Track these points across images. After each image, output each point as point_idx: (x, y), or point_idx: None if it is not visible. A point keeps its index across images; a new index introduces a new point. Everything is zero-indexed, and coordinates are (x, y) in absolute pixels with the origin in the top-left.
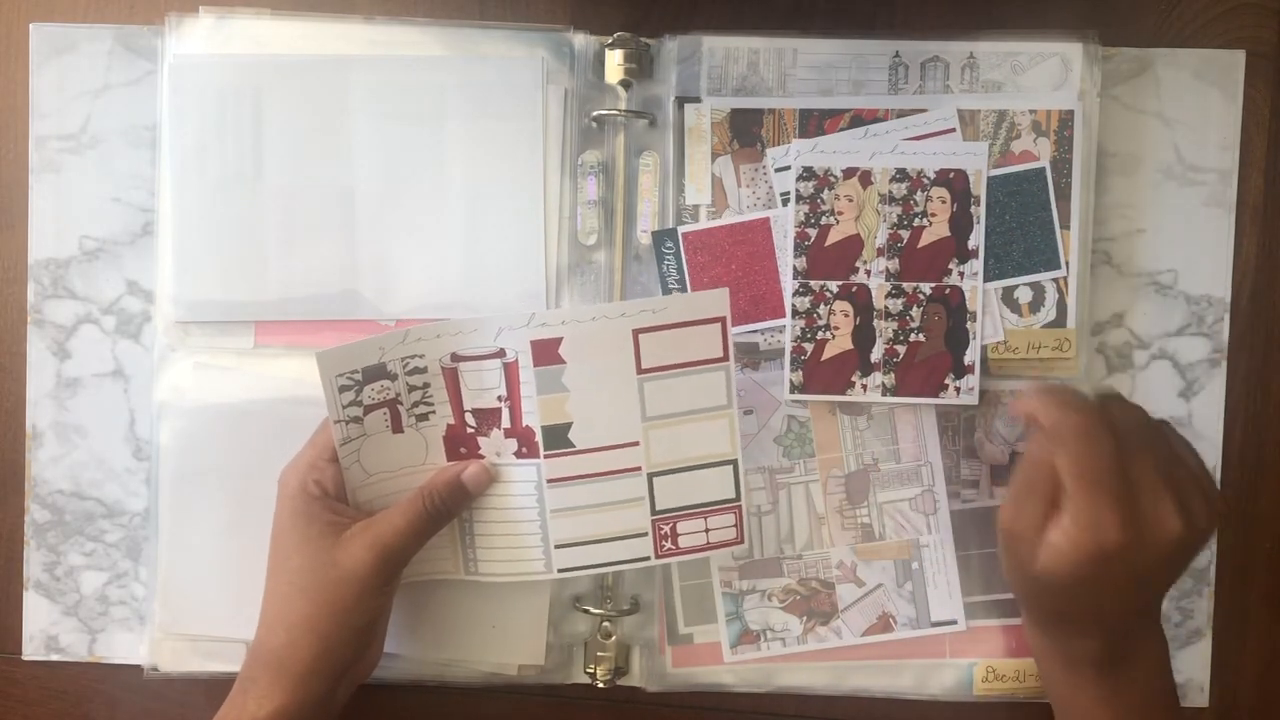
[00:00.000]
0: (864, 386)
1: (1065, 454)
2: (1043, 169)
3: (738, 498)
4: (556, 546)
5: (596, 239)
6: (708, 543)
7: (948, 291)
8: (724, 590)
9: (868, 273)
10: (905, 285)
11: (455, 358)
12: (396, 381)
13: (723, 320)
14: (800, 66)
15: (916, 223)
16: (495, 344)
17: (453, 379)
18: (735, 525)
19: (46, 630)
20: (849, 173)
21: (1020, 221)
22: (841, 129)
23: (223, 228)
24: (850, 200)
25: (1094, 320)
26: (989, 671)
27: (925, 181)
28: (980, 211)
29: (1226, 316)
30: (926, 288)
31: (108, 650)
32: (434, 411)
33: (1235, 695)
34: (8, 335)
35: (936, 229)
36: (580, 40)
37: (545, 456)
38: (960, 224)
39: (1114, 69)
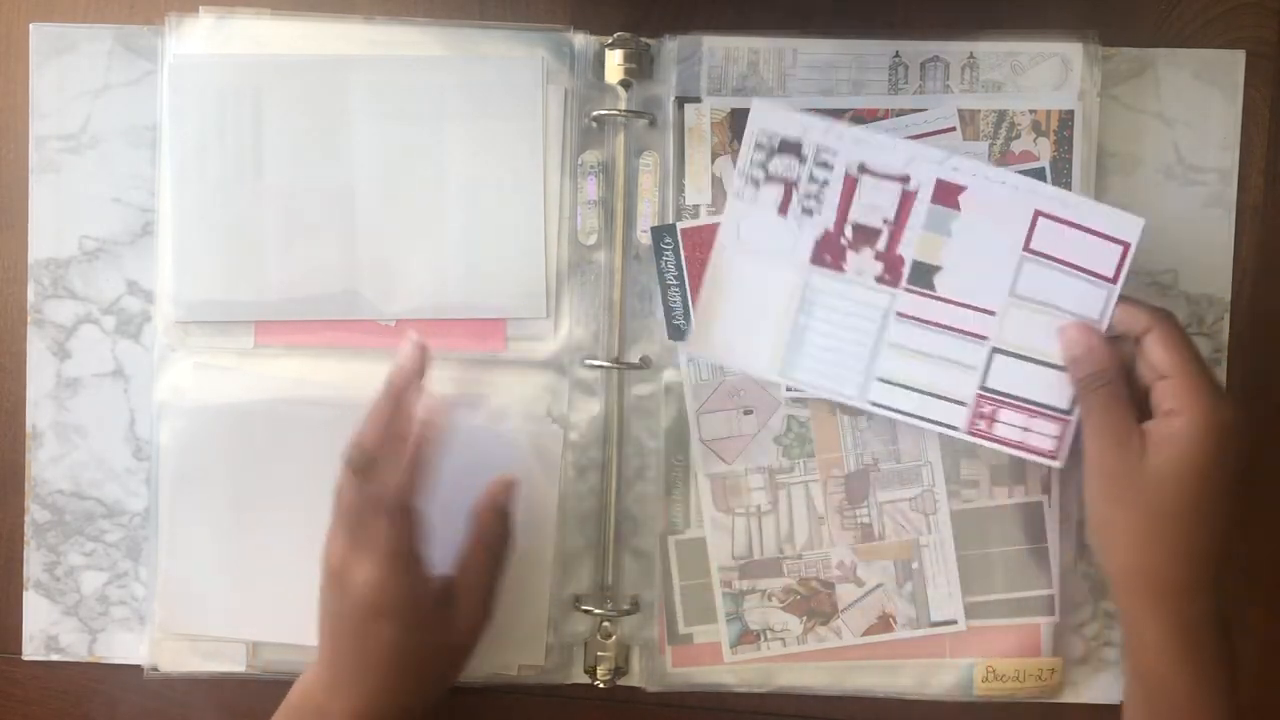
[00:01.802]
0: None
1: (1165, 338)
2: (1042, 168)
3: (1069, 412)
4: (879, 379)
5: (596, 239)
6: (1022, 442)
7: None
8: (724, 590)
9: None
10: None
11: (862, 168)
12: (805, 165)
13: (1126, 247)
14: (800, 66)
15: None
16: (904, 169)
17: (850, 187)
18: (1057, 438)
19: (46, 630)
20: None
21: None
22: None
23: (223, 228)
24: None
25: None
26: (989, 671)
27: None
28: None
29: (1226, 316)
30: None
31: (108, 650)
32: (820, 210)
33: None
34: (8, 335)
35: None
36: (580, 40)
37: (904, 288)
38: None
39: (1114, 69)
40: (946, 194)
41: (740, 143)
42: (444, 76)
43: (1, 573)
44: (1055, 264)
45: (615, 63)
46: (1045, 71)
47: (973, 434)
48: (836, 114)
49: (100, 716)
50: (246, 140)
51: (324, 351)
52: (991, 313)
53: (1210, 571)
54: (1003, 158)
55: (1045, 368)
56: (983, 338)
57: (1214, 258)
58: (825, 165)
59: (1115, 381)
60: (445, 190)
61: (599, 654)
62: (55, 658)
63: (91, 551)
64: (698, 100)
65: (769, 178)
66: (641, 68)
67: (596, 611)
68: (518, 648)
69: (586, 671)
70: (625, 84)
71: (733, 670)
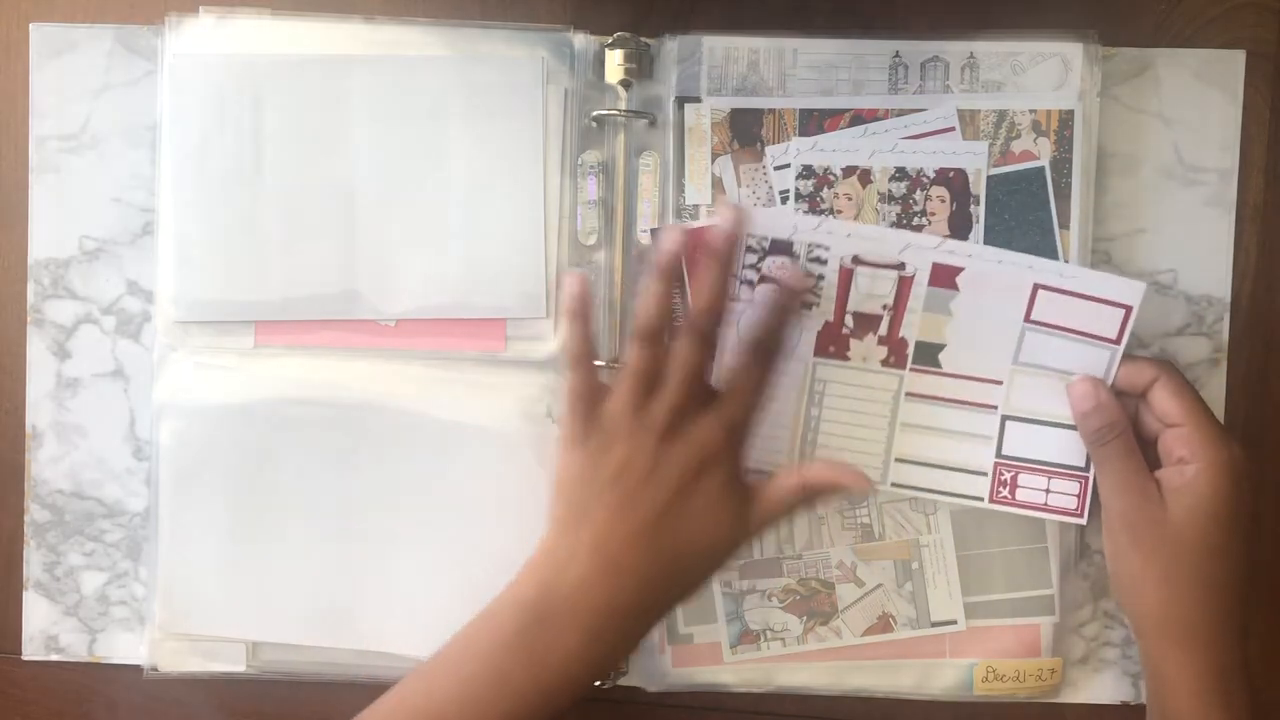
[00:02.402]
0: None
1: (1171, 387)
2: (1042, 168)
3: (1086, 468)
4: (897, 460)
5: (596, 239)
6: (1045, 504)
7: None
8: (724, 590)
9: None
10: None
11: (857, 260)
12: (796, 264)
13: (1128, 310)
14: (800, 66)
15: (916, 222)
16: (898, 257)
17: (846, 279)
18: (1078, 496)
19: (46, 630)
20: (848, 171)
21: (1019, 221)
22: (841, 129)
23: (223, 228)
24: (849, 199)
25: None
26: (989, 671)
27: (925, 180)
28: (980, 211)
29: (1226, 316)
30: None
31: (108, 650)
32: (818, 305)
33: None
34: (8, 335)
35: (936, 228)
36: (580, 40)
37: (911, 369)
38: (959, 223)
39: (1114, 69)
40: (943, 276)
41: (740, 143)
42: (444, 76)
43: (1, 573)
44: (1057, 331)
45: (615, 63)
46: (1045, 71)
47: (996, 502)
48: (836, 114)
49: (100, 716)
50: (246, 140)
51: (324, 351)
52: (998, 382)
53: (1237, 612)
54: (1003, 158)
55: (1057, 429)
56: (992, 407)
57: (1214, 258)
58: (819, 261)
59: (1126, 433)
60: (445, 190)
61: None
62: (55, 658)
63: (91, 551)
64: (698, 100)
65: (763, 278)
66: (641, 68)
67: None
68: None
69: None
70: (625, 84)
71: (733, 670)
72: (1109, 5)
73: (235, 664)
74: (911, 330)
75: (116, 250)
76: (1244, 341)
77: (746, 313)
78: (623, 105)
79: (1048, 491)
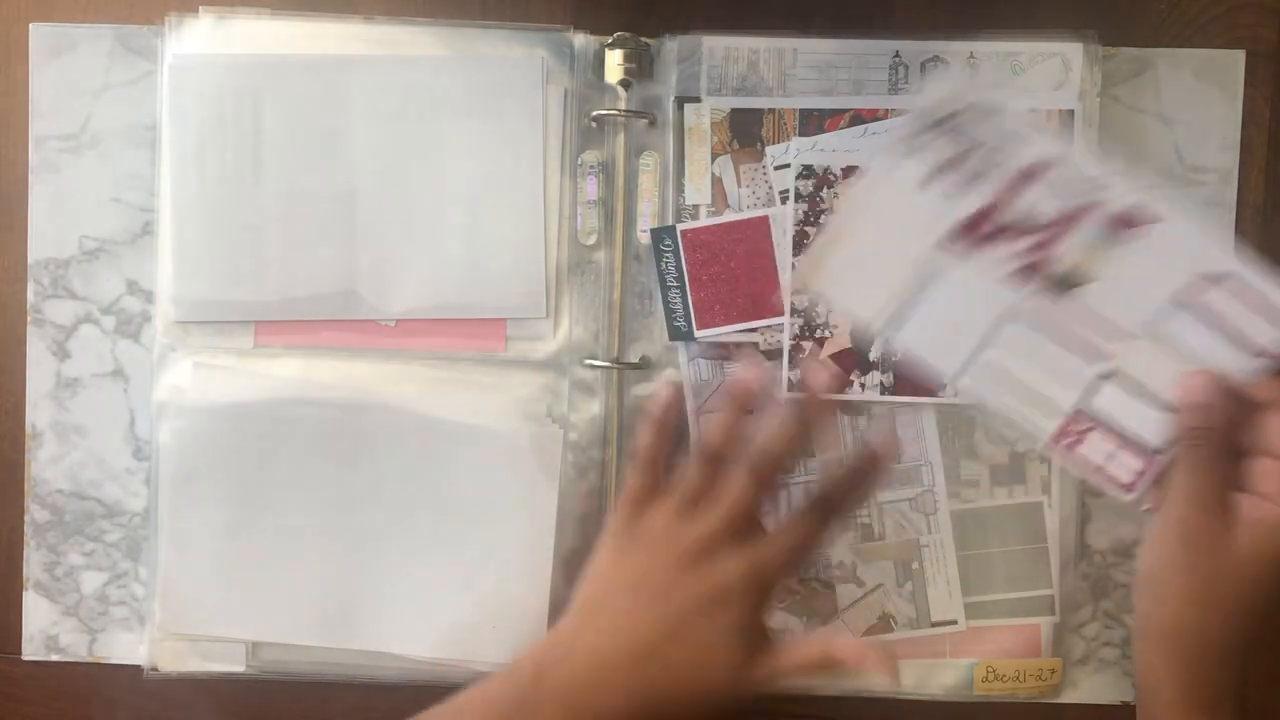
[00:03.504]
0: (862, 385)
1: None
2: None
3: (1158, 453)
4: (975, 370)
5: (596, 239)
6: (1101, 468)
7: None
8: None
9: None
10: None
11: (1056, 159)
12: (987, 134)
13: None
14: (800, 66)
15: None
16: (1103, 178)
17: (1030, 176)
18: (1138, 474)
19: (46, 630)
20: (848, 171)
21: None
22: (841, 129)
23: (222, 228)
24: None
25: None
26: (989, 671)
27: None
28: None
29: None
30: None
31: (108, 650)
32: (979, 186)
33: None
34: (8, 335)
35: None
36: (580, 40)
37: (1035, 291)
38: None
39: (1114, 69)
40: (1127, 221)
41: (740, 143)
42: (444, 76)
43: (1, 573)
44: (1210, 321)
45: (615, 63)
46: (1045, 71)
47: (1055, 447)
48: (836, 114)
49: (100, 716)
50: (246, 140)
51: (324, 351)
52: (1129, 335)
53: (1245, 650)
54: None
55: (1149, 406)
56: (1102, 359)
57: None
58: (1015, 143)
59: (1220, 443)
60: (445, 190)
61: None
62: (55, 658)
63: (91, 551)
64: (698, 100)
65: (923, 149)
66: (641, 68)
67: None
68: (518, 648)
69: None
70: (625, 84)
71: None
72: (1109, 5)
73: (235, 664)
74: (1064, 255)
75: (116, 250)
76: None
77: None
78: (623, 105)
79: (1110, 458)
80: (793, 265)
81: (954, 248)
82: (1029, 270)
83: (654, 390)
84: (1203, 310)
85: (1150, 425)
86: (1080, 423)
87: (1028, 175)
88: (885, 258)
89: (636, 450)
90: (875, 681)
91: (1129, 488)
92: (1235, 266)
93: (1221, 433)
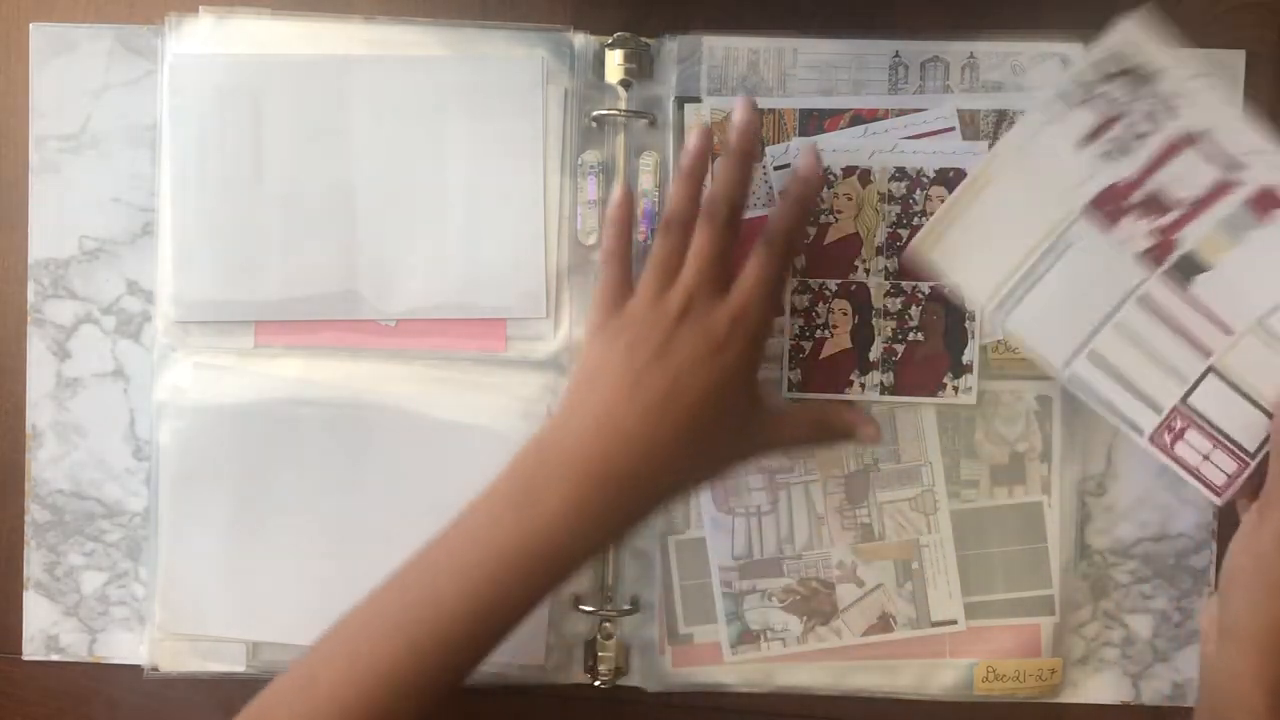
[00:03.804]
0: (862, 385)
1: None
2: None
3: (1255, 454)
4: (1090, 354)
5: (596, 239)
6: (1197, 468)
7: (947, 291)
8: (724, 590)
9: (866, 271)
10: (904, 284)
11: (1197, 136)
12: (1139, 102)
13: None
14: (800, 66)
15: (915, 221)
16: (1243, 158)
17: (1170, 150)
18: (1231, 477)
19: (46, 630)
20: (848, 171)
21: None
22: (841, 129)
23: (223, 228)
24: (849, 199)
25: None
26: (989, 671)
27: (924, 180)
28: None
29: None
30: (925, 287)
31: (108, 650)
32: (1126, 157)
33: None
34: (8, 335)
35: None
36: (580, 40)
37: (1162, 274)
38: None
39: None
40: (1267, 201)
41: None
42: (444, 76)
43: (1, 573)
44: None
45: (615, 63)
46: (1045, 71)
47: (1154, 444)
48: (836, 114)
49: (100, 716)
50: (246, 140)
51: (324, 351)
52: (1229, 332)
53: None
54: None
55: (1253, 406)
56: (1207, 352)
57: None
58: (1164, 112)
59: None
60: (445, 190)
61: (599, 654)
62: (55, 658)
63: (91, 551)
64: (698, 100)
65: (1091, 100)
66: (641, 68)
67: (597, 611)
68: (518, 648)
69: (586, 671)
70: (625, 84)
71: (733, 670)
72: (1109, 5)
73: (235, 664)
74: (1191, 238)
75: (116, 250)
76: None
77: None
78: (623, 105)
79: (1205, 458)
80: (791, 266)
81: (1096, 215)
82: (1160, 250)
83: (611, 197)
84: None
85: (1247, 426)
86: (1181, 419)
87: (1181, 143)
88: (1019, 223)
89: (601, 252)
90: (863, 439)
91: (1220, 491)
92: None
93: None
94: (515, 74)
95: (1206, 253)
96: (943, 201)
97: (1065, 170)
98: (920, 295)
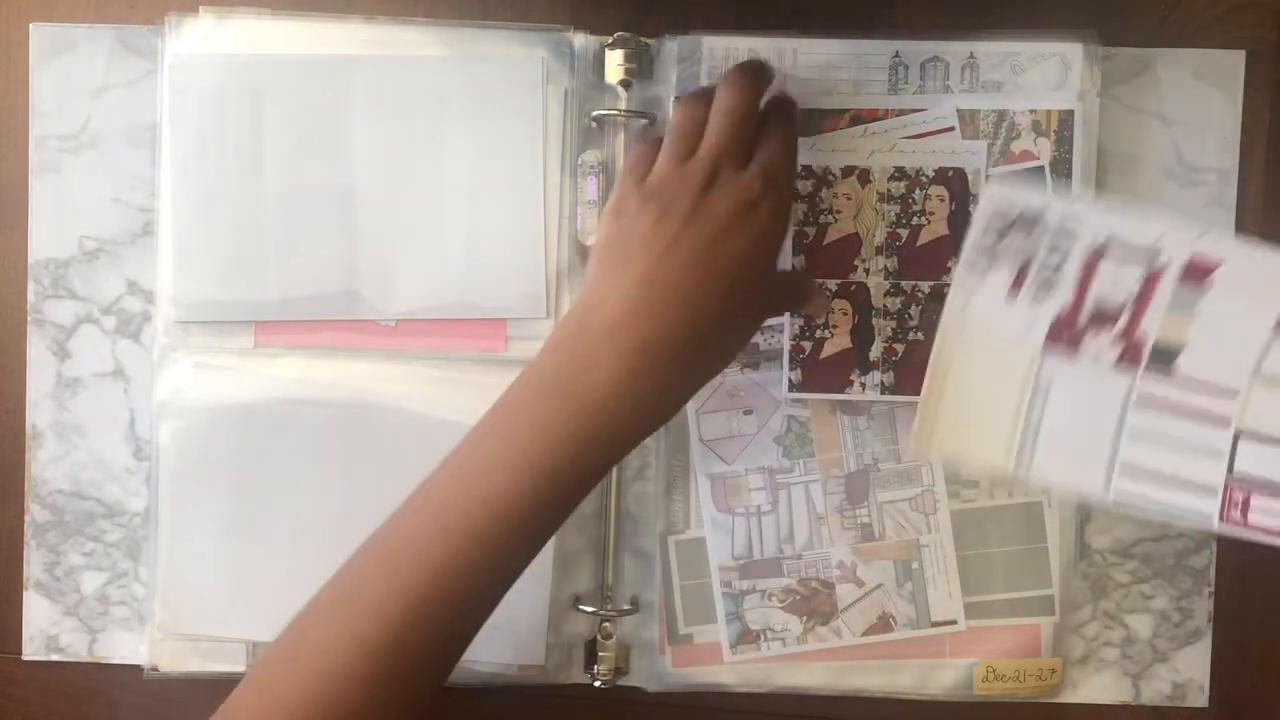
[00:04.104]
0: (863, 385)
1: None
2: (1041, 167)
3: None
4: (1120, 470)
5: (596, 239)
6: (1277, 529)
7: (946, 291)
8: (724, 590)
9: (866, 271)
10: (904, 284)
11: (1106, 244)
12: (1041, 240)
13: None
14: (800, 66)
15: (915, 221)
16: (1155, 243)
17: (1091, 264)
18: None
19: (46, 630)
20: (847, 171)
21: None
22: (841, 128)
23: (223, 228)
24: (849, 199)
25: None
26: (989, 671)
27: (924, 180)
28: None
29: None
30: (925, 286)
31: (108, 650)
32: (1056, 289)
33: (1235, 695)
34: (8, 335)
35: (935, 228)
36: (580, 40)
37: (1145, 371)
38: (959, 222)
39: (1114, 69)
40: (1197, 271)
41: None
42: (444, 76)
43: (1, 573)
44: None
45: (615, 63)
46: (1045, 71)
47: (1228, 523)
48: (836, 114)
49: (100, 716)
50: (246, 140)
51: (324, 351)
52: (1234, 393)
53: None
54: (1002, 158)
55: None
56: (1226, 420)
57: None
58: (1067, 237)
59: None
60: (445, 190)
61: (599, 654)
62: (55, 658)
63: (91, 551)
64: None
65: (999, 256)
66: (641, 68)
67: (597, 611)
68: (518, 648)
69: (586, 671)
70: (625, 84)
71: (733, 670)
72: (1109, 5)
73: (235, 664)
74: (1151, 329)
75: (116, 250)
76: None
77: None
78: (623, 105)
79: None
80: (791, 266)
81: (1057, 349)
82: (1131, 352)
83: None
84: None
85: None
86: (1239, 490)
87: (1093, 258)
88: (994, 388)
89: (637, 137)
90: (812, 309)
91: None
92: None
93: None
94: (515, 74)
95: (1173, 336)
96: (943, 201)
97: (1009, 326)
98: (920, 295)
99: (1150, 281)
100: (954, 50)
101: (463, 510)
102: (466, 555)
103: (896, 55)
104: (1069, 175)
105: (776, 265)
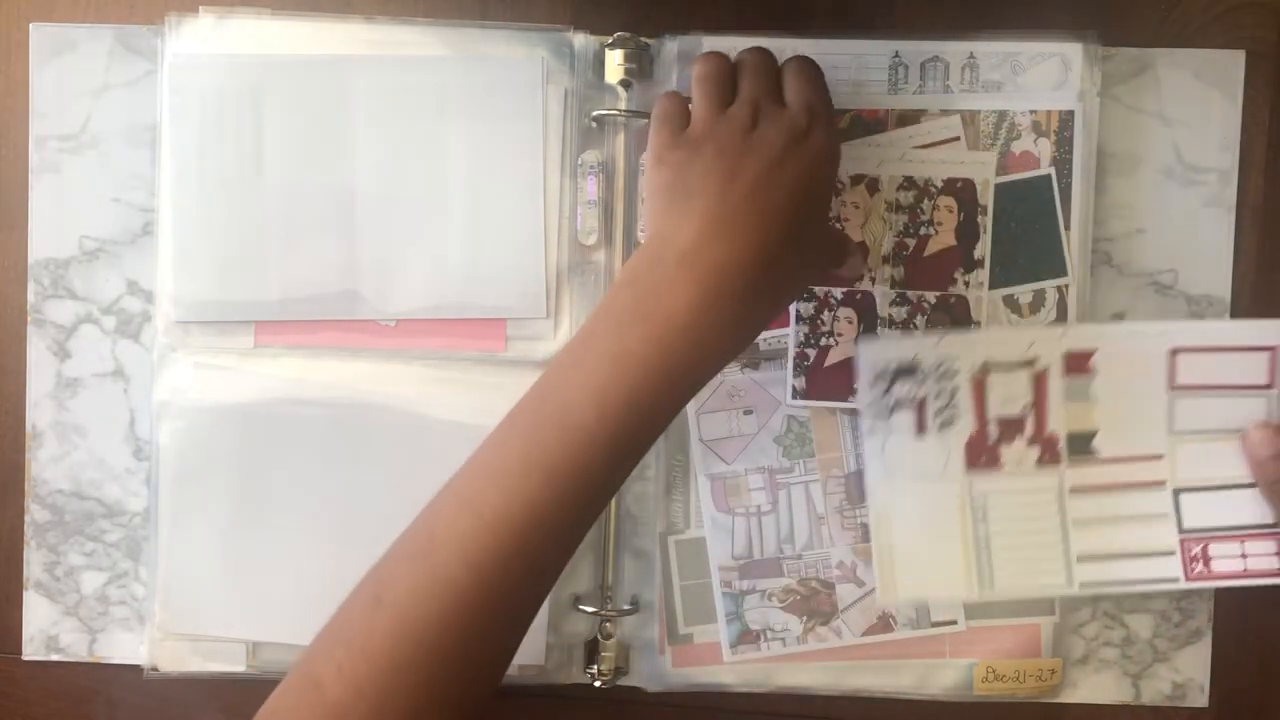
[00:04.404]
0: None
1: None
2: (1049, 176)
3: (1276, 524)
4: (1078, 560)
5: (596, 239)
6: (1245, 570)
7: (953, 301)
8: (724, 590)
9: (872, 280)
10: (910, 294)
11: (987, 366)
12: (926, 383)
13: (1274, 350)
14: None
15: (923, 231)
16: (1027, 353)
17: (980, 389)
18: (1277, 553)
19: (46, 630)
20: (856, 179)
21: (1025, 229)
22: (841, 128)
23: (223, 228)
24: (856, 207)
25: (1094, 321)
26: (989, 671)
27: (933, 190)
28: (988, 221)
29: (1226, 316)
30: (931, 296)
31: (108, 650)
32: (958, 418)
33: (1235, 695)
34: (8, 335)
35: (943, 238)
36: (580, 40)
37: (1069, 464)
38: (967, 233)
39: (1114, 69)
40: (1077, 363)
41: None
42: (444, 76)
43: (1, 573)
44: (1206, 391)
45: (615, 63)
46: (1045, 72)
47: (1194, 579)
48: (836, 114)
49: (100, 716)
50: (246, 140)
51: (324, 351)
52: (1159, 456)
53: None
54: (1003, 159)
55: (1235, 490)
56: (1161, 483)
57: (1214, 258)
58: (949, 375)
59: None
60: (445, 190)
61: (599, 654)
62: (55, 658)
63: (91, 551)
64: None
65: (897, 405)
66: (642, 68)
67: (597, 611)
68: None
69: (586, 671)
70: (625, 84)
71: (733, 670)
72: (1109, 5)
73: (235, 664)
74: (1059, 424)
75: (116, 250)
76: None
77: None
78: (623, 105)
79: (1244, 556)
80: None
81: (979, 471)
82: (1048, 449)
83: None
84: (1195, 387)
85: (1249, 508)
86: (1194, 544)
87: (978, 383)
88: (936, 527)
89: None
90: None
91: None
92: (1184, 332)
93: None
94: (515, 74)
95: (1082, 424)
96: (951, 212)
97: (926, 463)
98: (925, 305)
99: (1039, 384)
100: (954, 50)
101: (549, 443)
102: (553, 488)
103: (896, 55)
104: (1069, 176)
105: (830, 202)
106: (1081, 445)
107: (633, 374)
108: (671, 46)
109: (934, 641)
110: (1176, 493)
